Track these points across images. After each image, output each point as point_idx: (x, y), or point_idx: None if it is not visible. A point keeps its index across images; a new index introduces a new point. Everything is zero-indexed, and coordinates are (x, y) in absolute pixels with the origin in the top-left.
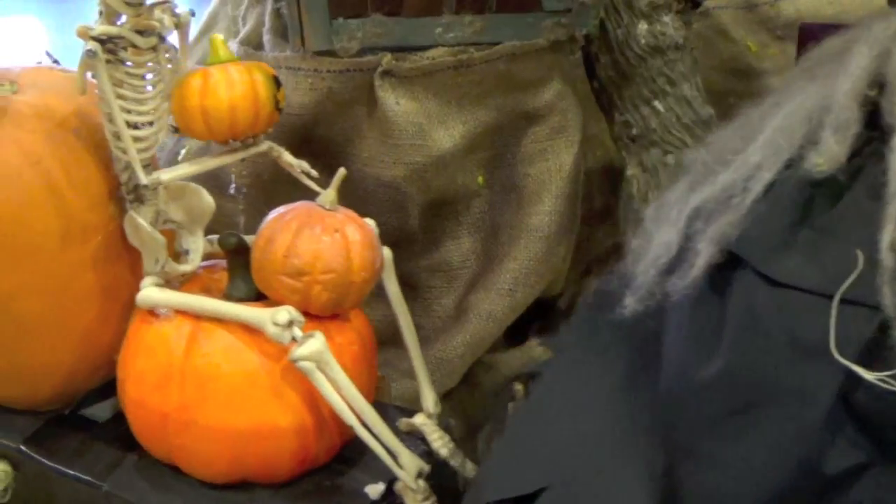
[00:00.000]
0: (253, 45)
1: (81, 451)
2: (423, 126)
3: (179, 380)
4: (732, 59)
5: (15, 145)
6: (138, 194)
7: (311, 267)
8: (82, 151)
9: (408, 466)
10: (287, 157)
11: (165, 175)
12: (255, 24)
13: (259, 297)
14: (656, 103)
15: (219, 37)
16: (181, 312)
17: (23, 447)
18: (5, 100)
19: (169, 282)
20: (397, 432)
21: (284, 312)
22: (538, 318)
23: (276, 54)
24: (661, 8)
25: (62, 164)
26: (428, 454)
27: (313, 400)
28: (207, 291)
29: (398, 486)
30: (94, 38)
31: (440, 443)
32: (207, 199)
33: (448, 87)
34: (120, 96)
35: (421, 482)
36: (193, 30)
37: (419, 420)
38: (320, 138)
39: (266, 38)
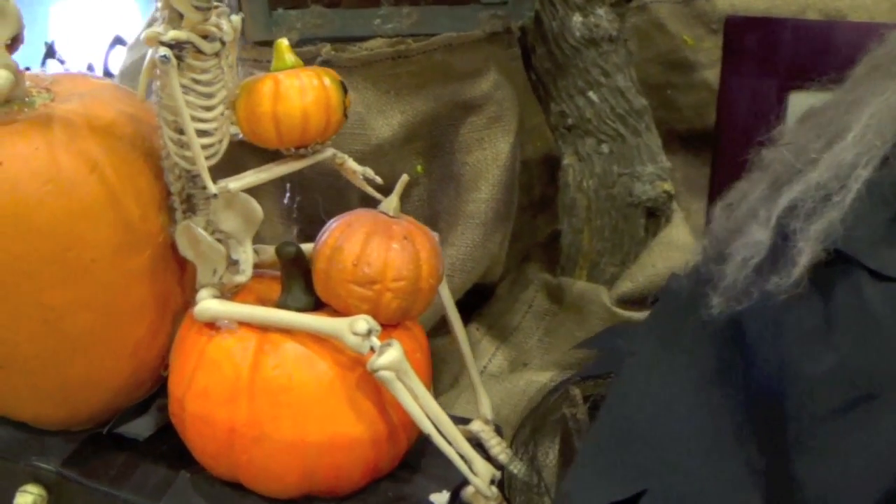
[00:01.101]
0: None
1: (127, 472)
2: (361, 115)
3: (248, 393)
4: (669, 52)
5: (68, 153)
6: (191, 204)
7: (381, 275)
8: (134, 160)
9: (481, 473)
10: (351, 164)
11: (234, 183)
12: None
13: (317, 307)
14: (591, 94)
15: (284, 42)
16: (244, 324)
17: (62, 469)
18: (49, 107)
19: (223, 293)
20: None
21: (363, 322)
22: (477, 303)
23: None
24: (595, 1)
25: (117, 172)
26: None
27: (384, 409)
28: (262, 302)
29: (467, 493)
30: (164, 44)
31: (499, 448)
32: (256, 208)
33: (386, 78)
34: (187, 104)
35: (494, 489)
36: (140, 24)
37: (476, 427)
38: None
39: None
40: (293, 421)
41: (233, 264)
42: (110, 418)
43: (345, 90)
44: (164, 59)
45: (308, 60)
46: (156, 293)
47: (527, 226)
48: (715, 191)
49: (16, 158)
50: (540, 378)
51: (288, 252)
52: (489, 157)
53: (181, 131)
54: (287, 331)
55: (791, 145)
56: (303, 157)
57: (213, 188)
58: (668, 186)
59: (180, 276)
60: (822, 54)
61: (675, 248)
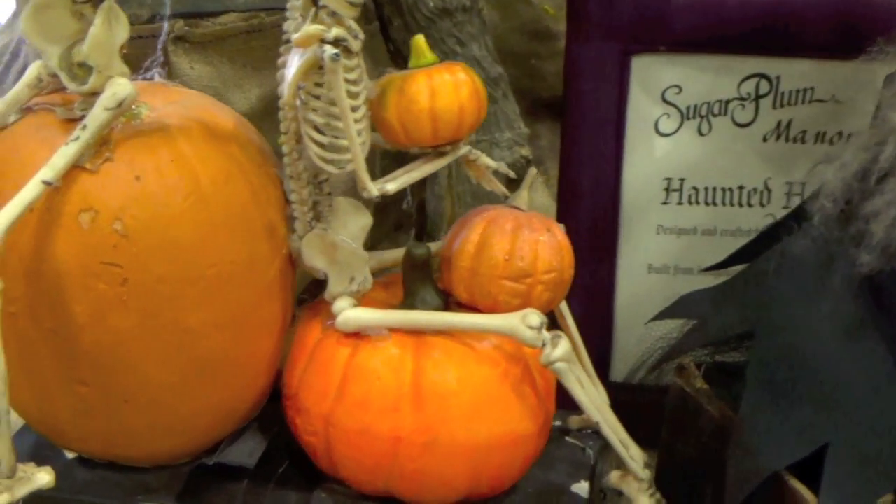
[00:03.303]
0: None
1: (254, 501)
2: (218, 90)
3: (414, 400)
4: (531, 22)
5: (203, 164)
6: (317, 212)
7: (533, 268)
8: (261, 167)
9: (636, 457)
10: (484, 160)
11: (391, 184)
12: None
13: (445, 307)
14: None
15: (422, 38)
16: (392, 329)
17: None
18: (158, 118)
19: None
20: (565, 430)
21: (535, 316)
22: None
23: None
24: None
25: (250, 182)
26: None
27: (542, 402)
28: (386, 307)
29: (613, 478)
30: (328, 42)
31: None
32: (366, 213)
33: (242, 52)
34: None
35: (647, 471)
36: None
37: None
38: None
39: None
40: (464, 423)
41: None
42: (208, 448)
43: None
44: (336, 56)
45: (161, 36)
46: (280, 309)
47: (400, 195)
48: (566, 155)
49: (153, 172)
50: None
51: (421, 254)
52: None
53: (323, 132)
54: (441, 333)
55: None
56: (443, 154)
57: (374, 190)
58: (525, 151)
59: (293, 289)
60: (663, 19)
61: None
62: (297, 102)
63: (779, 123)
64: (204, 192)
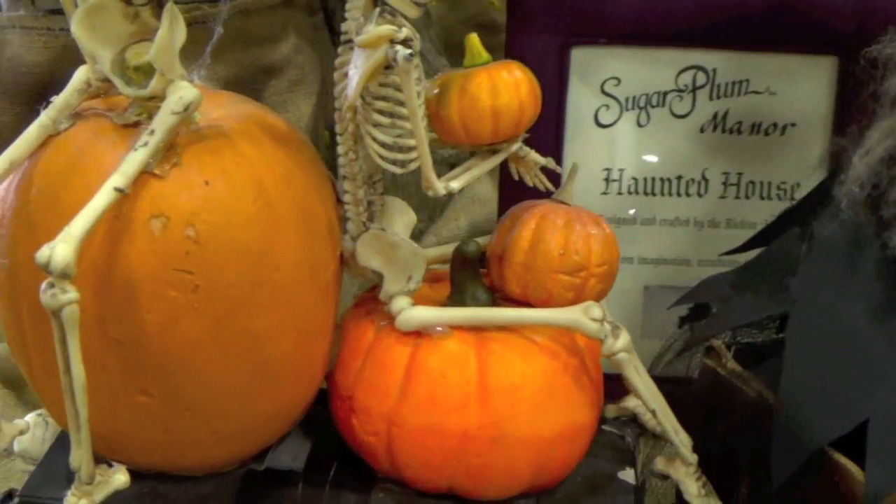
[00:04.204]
0: None
1: None
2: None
3: (480, 396)
4: (478, 14)
5: (267, 167)
6: (370, 212)
7: (587, 261)
8: (315, 168)
9: (686, 443)
10: (533, 156)
11: (455, 182)
12: None
13: (492, 303)
14: None
15: (475, 36)
16: (453, 326)
17: None
18: (212, 121)
19: None
20: (602, 419)
21: (596, 308)
22: None
23: (11, 14)
24: None
25: (310, 183)
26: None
27: (597, 392)
28: (434, 303)
29: (660, 464)
30: (399, 42)
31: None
32: (411, 211)
33: (185, 44)
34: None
35: (695, 455)
36: None
37: (632, 403)
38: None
39: None
40: (529, 417)
41: None
42: (255, 454)
43: None
44: (410, 57)
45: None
46: (334, 311)
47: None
48: None
49: (220, 176)
50: None
51: (473, 251)
52: (292, 119)
53: (387, 132)
54: (502, 328)
55: None
56: (496, 151)
57: (441, 188)
58: None
59: (340, 289)
60: (602, 11)
61: (478, 203)
62: (358, 103)
63: (715, 115)
64: (270, 195)
